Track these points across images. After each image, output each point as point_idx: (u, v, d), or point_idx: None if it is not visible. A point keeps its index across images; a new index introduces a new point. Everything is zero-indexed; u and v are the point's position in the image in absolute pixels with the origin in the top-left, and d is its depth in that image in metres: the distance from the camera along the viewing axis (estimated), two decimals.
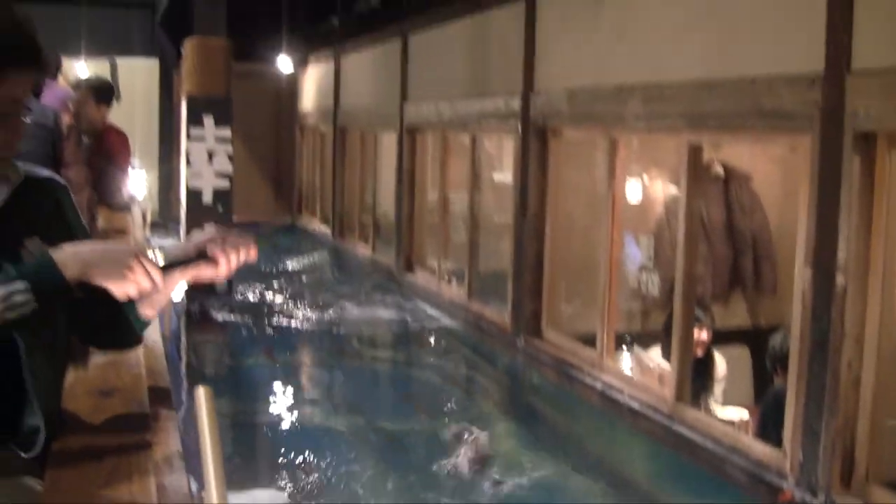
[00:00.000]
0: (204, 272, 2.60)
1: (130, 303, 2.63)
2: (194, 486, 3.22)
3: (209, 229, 2.65)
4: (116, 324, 2.74)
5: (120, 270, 2.35)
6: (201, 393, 2.49)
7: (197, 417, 2.48)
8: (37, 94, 6.15)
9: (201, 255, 2.59)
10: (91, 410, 3.08)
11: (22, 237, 2.53)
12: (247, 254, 2.65)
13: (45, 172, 2.75)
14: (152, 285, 2.43)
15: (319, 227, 20.75)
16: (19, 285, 2.25)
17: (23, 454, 2.59)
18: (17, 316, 2.24)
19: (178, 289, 2.76)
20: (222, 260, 2.58)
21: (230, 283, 13.54)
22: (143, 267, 2.38)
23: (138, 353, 3.86)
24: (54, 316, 2.52)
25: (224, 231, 2.65)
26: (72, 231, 2.68)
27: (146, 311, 2.74)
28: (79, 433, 2.86)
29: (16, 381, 2.54)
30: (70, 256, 2.33)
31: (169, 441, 3.32)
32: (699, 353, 7.91)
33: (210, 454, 2.39)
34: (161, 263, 2.49)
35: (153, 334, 4.80)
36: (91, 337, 2.92)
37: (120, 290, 2.38)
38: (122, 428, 2.95)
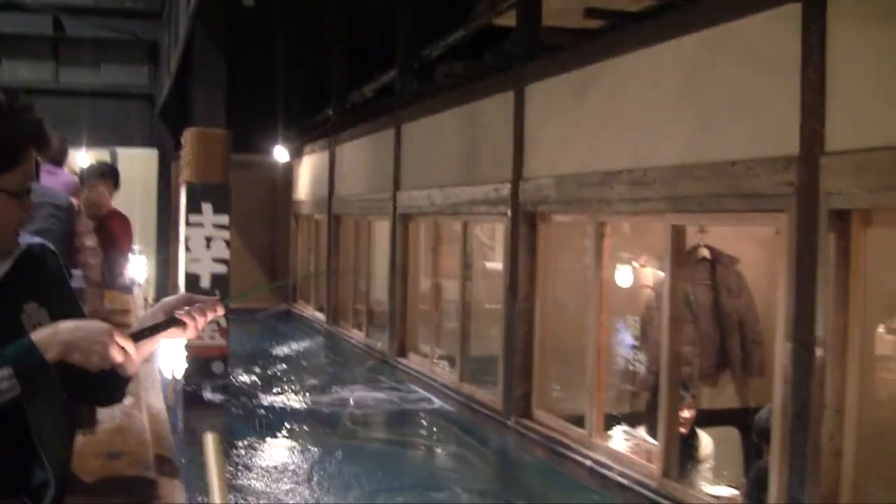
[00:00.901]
0: (174, 334, 2.74)
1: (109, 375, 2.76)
2: None
3: (178, 296, 2.81)
4: (102, 386, 2.85)
5: (95, 348, 2.50)
6: (209, 439, 2.62)
7: (205, 463, 2.61)
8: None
9: (171, 321, 2.72)
10: (99, 472, 3.19)
11: (22, 302, 2.70)
12: (213, 313, 2.77)
13: (37, 240, 2.90)
14: (125, 357, 2.58)
15: (314, 314, 20.86)
16: (3, 372, 2.42)
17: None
18: (5, 401, 2.41)
19: (158, 357, 2.90)
20: (190, 323, 2.72)
21: (226, 365, 13.63)
22: (116, 343, 2.53)
23: (143, 420, 4.00)
24: (37, 390, 2.63)
25: (191, 297, 2.80)
26: (62, 291, 2.85)
27: (126, 371, 2.79)
28: (89, 494, 2.97)
29: (24, 437, 2.67)
30: (49, 338, 2.49)
31: (175, 496, 3.47)
32: (683, 430, 8.02)
33: (217, 497, 2.51)
34: (133, 334, 2.67)
35: (157, 403, 4.95)
36: (81, 397, 3.01)
37: (95, 365, 2.53)
38: (130, 490, 3.05)
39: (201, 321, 2.73)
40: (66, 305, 2.83)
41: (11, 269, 2.71)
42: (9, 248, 2.72)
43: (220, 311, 2.80)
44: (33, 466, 2.71)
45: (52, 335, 2.50)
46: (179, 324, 2.71)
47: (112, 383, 2.85)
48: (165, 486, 3.38)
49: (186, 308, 2.73)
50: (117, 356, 2.54)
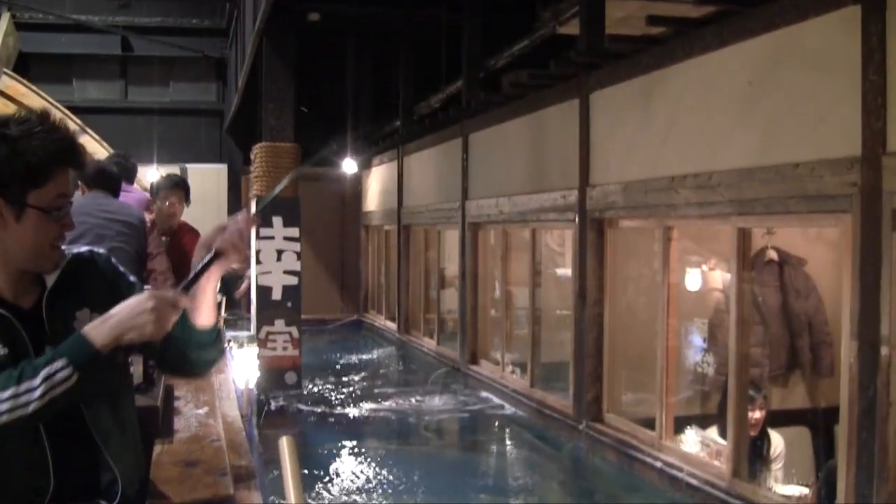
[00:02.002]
0: (222, 266, 2.83)
1: (188, 331, 2.90)
2: None
3: (209, 232, 2.86)
4: (192, 351, 2.97)
5: (143, 319, 2.62)
6: (285, 443, 2.71)
7: (282, 466, 2.69)
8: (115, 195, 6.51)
9: (213, 256, 2.80)
10: (177, 480, 3.30)
11: (74, 310, 2.83)
12: (249, 229, 2.87)
13: (85, 248, 3.04)
14: (176, 314, 2.70)
15: (385, 323, 20.98)
16: (59, 363, 2.54)
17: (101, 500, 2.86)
18: (63, 391, 2.53)
19: (212, 298, 2.90)
20: (230, 248, 2.81)
21: (299, 376, 13.80)
22: (162, 304, 2.65)
23: (219, 429, 4.12)
24: (95, 383, 2.71)
25: (222, 225, 2.86)
26: (118, 294, 2.88)
27: (203, 322, 2.92)
28: (169, 497, 3.09)
29: (88, 436, 2.83)
30: (97, 327, 2.62)
31: (252, 500, 3.59)
32: (753, 432, 8.06)
33: (293, 501, 2.60)
34: (182, 286, 2.77)
35: (232, 412, 5.08)
36: (183, 370, 3.14)
37: (155, 334, 2.66)
38: (208, 497, 3.15)
39: (240, 243, 2.82)
40: None
41: (59, 278, 2.83)
42: (55, 262, 2.83)
43: (254, 224, 2.91)
44: (99, 466, 2.85)
45: (100, 323, 2.63)
46: (221, 254, 2.80)
47: (200, 344, 2.95)
48: (242, 493, 3.48)
49: (221, 236, 2.81)
50: (170, 315, 2.66)
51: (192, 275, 2.80)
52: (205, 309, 2.89)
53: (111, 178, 6.41)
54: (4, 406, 2.48)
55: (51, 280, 2.83)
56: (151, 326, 2.62)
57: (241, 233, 2.83)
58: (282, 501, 2.72)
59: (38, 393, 2.50)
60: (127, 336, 2.61)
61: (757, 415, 8.07)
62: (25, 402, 2.50)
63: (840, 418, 6.67)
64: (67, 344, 2.60)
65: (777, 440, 8.31)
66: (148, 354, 3.07)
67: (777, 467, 8.23)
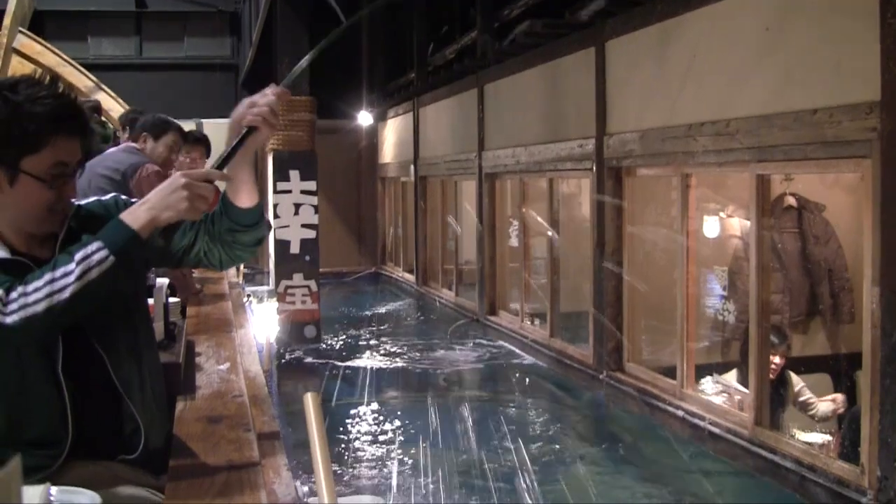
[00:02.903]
0: (256, 141, 2.80)
1: (230, 211, 2.88)
2: (301, 491, 3.49)
3: (238, 108, 2.82)
4: (233, 237, 2.93)
5: (178, 197, 2.62)
6: (310, 399, 2.70)
7: (306, 422, 2.69)
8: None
9: (246, 132, 2.78)
10: (201, 435, 3.31)
11: None
12: (279, 100, 2.81)
13: (92, 199, 3.03)
14: (214, 192, 2.70)
15: (403, 275, 21.04)
16: (95, 245, 2.54)
17: (127, 456, 2.86)
18: (100, 274, 2.52)
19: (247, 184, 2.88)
20: (262, 122, 2.77)
21: (319, 329, 13.84)
22: (195, 185, 2.64)
23: (241, 384, 4.13)
24: (134, 270, 2.73)
25: (251, 100, 2.82)
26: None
27: (244, 203, 2.89)
28: (193, 457, 3.09)
29: (110, 383, 2.82)
30: (133, 211, 2.63)
31: (276, 455, 3.60)
32: (772, 376, 8.05)
33: (319, 457, 2.58)
34: (217, 164, 2.75)
35: (254, 366, 5.09)
36: (231, 255, 3.03)
37: (193, 212, 2.66)
38: (233, 451, 3.15)
39: (272, 117, 2.78)
40: None
41: (67, 231, 2.82)
42: (56, 224, 2.81)
43: (285, 95, 2.85)
44: (122, 414, 2.85)
45: (136, 208, 2.64)
46: (254, 129, 2.78)
47: (244, 224, 2.91)
48: (266, 446, 3.48)
49: (252, 111, 2.77)
50: (204, 191, 2.65)
51: (225, 152, 2.78)
52: (244, 188, 2.87)
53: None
54: (42, 293, 2.48)
55: (61, 233, 2.82)
56: (186, 203, 2.62)
57: (271, 107, 2.79)
58: (306, 459, 2.73)
59: (74, 276, 2.49)
60: (163, 216, 2.62)
61: (776, 360, 8.07)
62: (62, 286, 2.49)
63: (863, 365, 6.66)
64: (104, 229, 2.61)
65: (797, 382, 8.31)
66: (191, 261, 3.01)
67: (811, 405, 8.24)
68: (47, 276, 2.49)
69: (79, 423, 2.75)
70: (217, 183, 2.75)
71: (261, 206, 2.94)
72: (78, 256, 2.52)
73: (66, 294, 2.49)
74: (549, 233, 12.61)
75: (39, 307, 2.47)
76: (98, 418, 2.82)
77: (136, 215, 2.62)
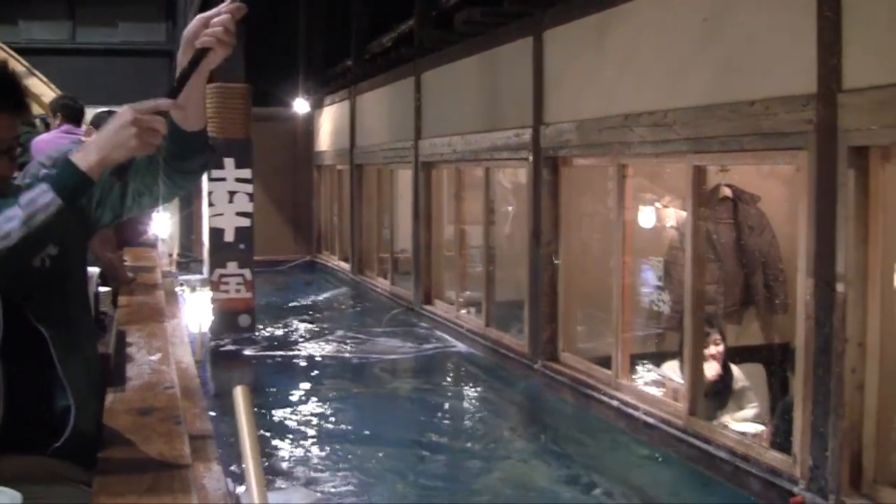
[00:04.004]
0: (211, 61, 2.63)
1: (177, 136, 2.74)
2: (232, 487, 3.44)
3: (192, 24, 2.65)
4: (178, 163, 2.81)
5: (128, 133, 2.50)
6: (239, 392, 2.66)
7: (235, 415, 2.65)
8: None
9: (200, 52, 2.60)
10: (130, 428, 3.25)
11: None
12: (236, 15, 2.64)
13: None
14: (161, 125, 2.55)
15: (339, 264, 20.98)
16: (40, 189, 2.47)
17: (54, 442, 2.76)
18: (47, 217, 2.45)
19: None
20: (215, 41, 2.59)
21: (253, 318, 13.75)
22: (144, 119, 2.52)
23: (172, 375, 4.07)
24: (78, 214, 2.69)
25: (205, 18, 2.64)
26: (81, 222, 2.85)
27: (192, 126, 2.77)
28: (122, 449, 3.04)
29: (46, 359, 2.74)
30: (83, 152, 2.53)
31: (207, 449, 3.55)
32: (717, 367, 8.07)
33: (249, 453, 2.55)
34: (170, 89, 2.60)
35: (186, 357, 5.03)
36: (170, 178, 2.89)
37: (143, 151, 2.55)
38: (162, 445, 3.09)
39: (227, 36, 2.61)
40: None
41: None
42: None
43: (240, 10, 2.66)
44: (55, 390, 2.77)
45: (86, 147, 2.55)
46: (208, 50, 2.61)
47: (191, 149, 2.81)
48: (197, 440, 3.44)
49: (207, 30, 2.60)
50: (154, 125, 2.54)
51: (177, 77, 2.63)
52: (193, 111, 2.74)
53: None
54: None
55: None
56: (135, 140, 2.51)
57: (226, 25, 2.62)
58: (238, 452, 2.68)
59: (18, 221, 2.43)
60: (114, 155, 2.52)
61: (717, 349, 8.08)
62: (6, 231, 2.42)
63: (796, 356, 6.70)
64: (53, 172, 2.54)
65: (739, 374, 8.34)
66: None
67: (747, 399, 8.27)
68: None
69: (8, 401, 2.69)
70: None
71: (206, 129, 2.84)
72: (23, 200, 2.46)
73: (13, 239, 2.42)
74: (486, 222, 12.60)
75: None
76: (29, 393, 2.75)
77: (85, 156, 2.52)
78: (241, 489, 4.16)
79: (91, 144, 2.55)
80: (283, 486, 7.82)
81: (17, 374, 2.71)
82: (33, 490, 2.56)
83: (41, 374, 2.76)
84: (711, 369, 8.06)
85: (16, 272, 2.54)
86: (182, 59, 2.64)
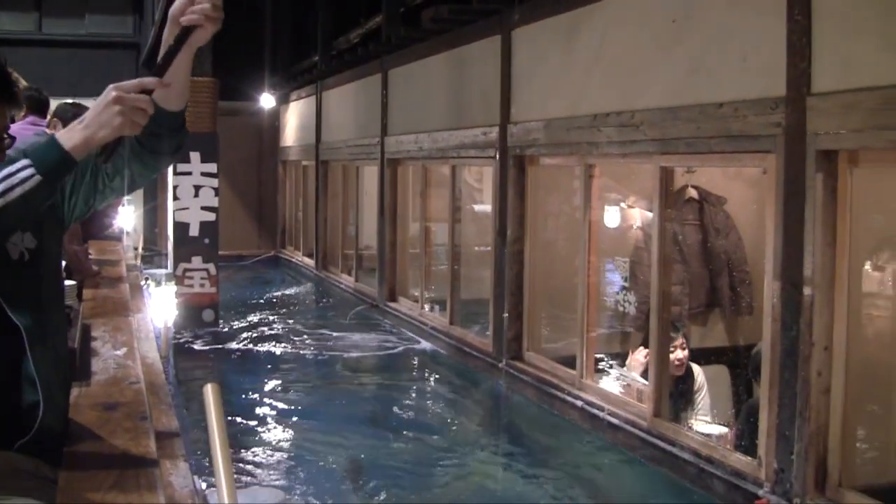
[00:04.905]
0: (198, 39, 2.58)
1: (159, 117, 2.67)
2: (199, 485, 3.41)
3: (176, 5, 2.58)
4: (156, 142, 2.76)
5: (110, 115, 2.47)
6: (210, 390, 2.62)
7: (206, 414, 2.61)
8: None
9: (186, 30, 2.55)
10: (96, 423, 3.21)
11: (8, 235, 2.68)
12: None
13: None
14: (147, 104, 2.51)
15: (303, 259, 20.94)
16: (20, 164, 2.43)
17: (21, 437, 2.71)
18: (23, 193, 2.41)
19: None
20: (202, 19, 2.54)
21: (217, 313, 13.70)
22: (128, 97, 2.48)
23: (138, 371, 4.03)
24: (56, 193, 2.63)
25: None
26: (56, 212, 2.82)
27: (173, 106, 2.72)
28: (87, 445, 3.00)
29: (16, 350, 2.69)
30: (67, 132, 2.50)
31: (174, 445, 3.51)
32: (679, 371, 8.08)
33: (219, 450, 2.51)
34: (157, 66, 2.55)
35: (151, 352, 4.99)
36: (144, 158, 2.83)
37: (129, 130, 2.51)
38: (128, 441, 3.06)
39: (213, 9, 2.55)
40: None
41: None
42: None
43: None
44: (25, 384, 2.72)
45: (71, 127, 2.51)
46: (192, 29, 2.55)
47: (170, 128, 2.76)
48: (163, 436, 3.41)
49: (193, 6, 2.54)
50: (138, 103, 2.49)
51: (163, 55, 2.58)
52: (176, 91, 2.69)
53: None
54: None
55: None
56: (119, 119, 2.47)
57: (213, 1, 2.55)
58: (204, 447, 2.64)
59: None
60: (99, 135, 2.48)
61: (681, 354, 8.09)
62: None
63: (762, 358, 6.71)
64: (35, 148, 2.50)
65: (698, 372, 8.35)
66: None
67: (700, 398, 8.28)
68: None
69: None
70: None
71: (185, 110, 2.79)
72: (2, 174, 2.42)
73: None
74: (451, 219, 12.57)
75: None
76: None
77: (70, 135, 2.48)
78: (207, 487, 4.13)
79: (76, 124, 2.51)
80: (247, 484, 7.78)
81: None
82: (2, 486, 2.53)
83: (12, 368, 2.71)
84: (675, 371, 8.07)
85: None
86: (168, 36, 2.60)
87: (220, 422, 2.57)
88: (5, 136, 2.67)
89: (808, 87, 6.15)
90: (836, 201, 6.08)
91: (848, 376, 6.10)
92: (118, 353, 4.34)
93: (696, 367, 8.35)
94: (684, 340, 8.16)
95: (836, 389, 6.12)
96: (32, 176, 2.43)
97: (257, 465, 8.39)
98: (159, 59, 2.58)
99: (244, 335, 13.80)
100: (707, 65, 7.29)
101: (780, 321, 6.40)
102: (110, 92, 2.49)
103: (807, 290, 6.15)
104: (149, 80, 2.54)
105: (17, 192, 2.41)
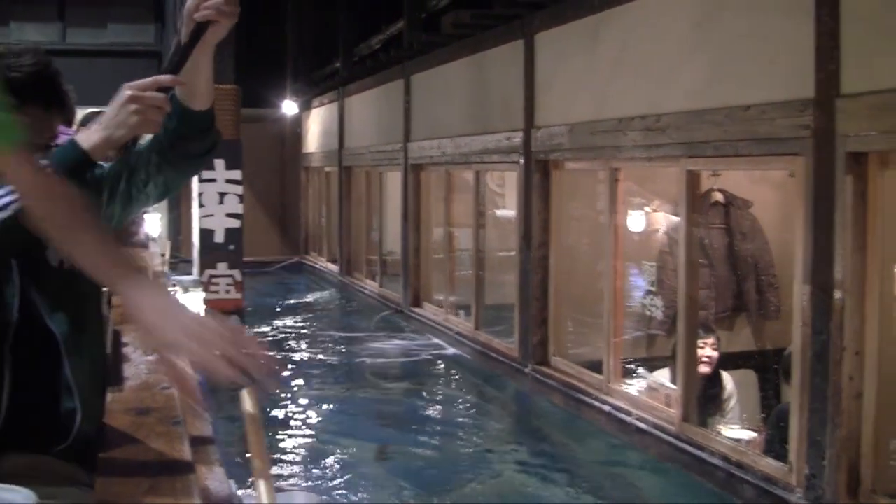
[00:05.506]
0: (214, 34, 2.54)
1: (185, 117, 2.67)
2: (235, 489, 3.40)
3: (188, 3, 2.54)
4: (185, 144, 2.73)
5: (126, 114, 2.48)
6: (246, 395, 2.62)
7: (243, 418, 2.61)
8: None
9: (200, 27, 2.50)
10: (129, 428, 3.20)
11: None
12: None
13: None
14: (163, 102, 2.52)
15: (326, 265, 20.97)
16: (41, 164, 2.40)
17: (58, 443, 2.69)
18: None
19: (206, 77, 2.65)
20: (216, 13, 2.49)
21: (242, 319, 13.70)
22: (143, 96, 2.48)
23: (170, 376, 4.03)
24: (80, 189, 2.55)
25: None
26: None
27: (199, 105, 2.69)
28: (121, 450, 2.99)
29: (54, 360, 2.68)
30: (86, 132, 2.52)
31: (208, 449, 3.50)
32: (708, 370, 8.02)
33: (256, 454, 2.51)
34: (169, 64, 2.55)
35: (181, 360, 4.98)
36: (176, 162, 2.80)
37: (146, 129, 2.53)
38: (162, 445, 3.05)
39: (228, 6, 2.51)
40: None
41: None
42: None
43: None
44: (62, 391, 2.71)
45: (90, 127, 2.54)
46: (206, 24, 2.50)
47: (198, 128, 2.73)
48: (197, 440, 3.40)
49: (207, 2, 2.49)
50: (155, 101, 2.50)
51: (179, 52, 2.56)
52: (200, 89, 2.66)
53: None
54: None
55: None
56: (136, 117, 2.48)
57: None
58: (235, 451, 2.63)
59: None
60: (116, 134, 2.50)
61: (710, 352, 8.02)
62: (4, 204, 2.38)
63: (792, 363, 6.65)
64: (56, 149, 2.53)
65: (727, 379, 8.31)
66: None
67: (730, 406, 8.23)
68: None
69: (14, 399, 2.63)
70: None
71: (213, 110, 2.75)
72: None
73: (8, 211, 2.38)
74: (475, 224, 12.56)
75: None
76: (36, 393, 2.68)
77: (88, 135, 2.50)
78: (243, 491, 4.12)
79: (95, 125, 2.53)
80: (281, 488, 7.78)
81: (26, 374, 2.66)
82: (41, 490, 2.52)
83: (49, 375, 2.70)
84: (703, 371, 8.01)
85: (14, 242, 2.48)
86: (184, 34, 2.57)
87: (256, 427, 2.57)
88: (53, 144, 2.69)
89: (837, 89, 6.10)
90: (866, 204, 6.03)
91: (880, 381, 6.05)
92: (149, 358, 4.34)
93: (725, 375, 8.30)
94: (716, 341, 8.10)
95: (867, 394, 6.07)
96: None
97: (287, 470, 8.39)
98: (174, 59, 2.62)
99: (269, 341, 13.79)
100: (733, 67, 7.25)
101: (809, 325, 6.35)
102: (125, 91, 2.50)
103: (837, 294, 6.10)
104: (164, 78, 2.54)
105: None
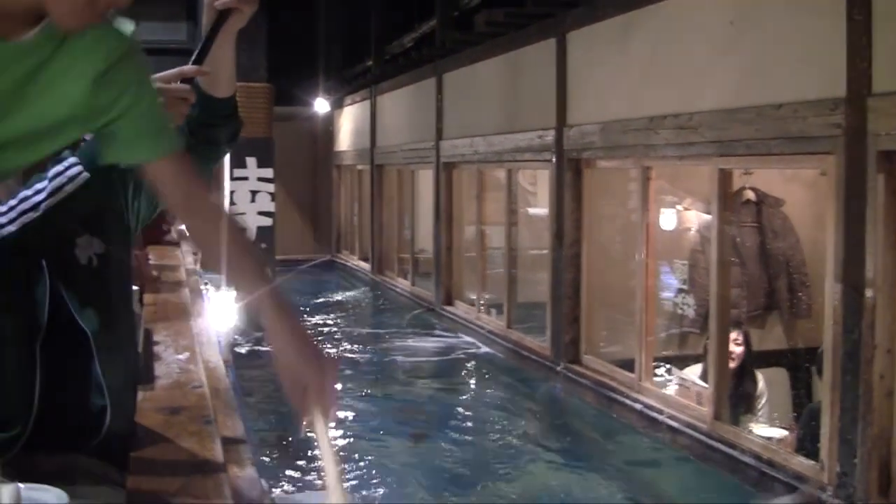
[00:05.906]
0: (235, 22, 2.54)
1: (208, 105, 2.69)
2: (267, 488, 3.43)
3: None
4: (209, 131, 2.75)
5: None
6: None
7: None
8: None
9: (221, 15, 2.49)
10: (161, 427, 3.22)
11: (74, 237, 2.62)
12: None
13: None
14: (188, 93, 2.55)
15: (358, 263, 20.99)
16: (68, 162, 2.48)
17: (89, 441, 2.68)
18: (74, 188, 2.46)
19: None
20: (234, 1, 2.49)
21: None
22: (167, 88, 2.50)
23: (201, 375, 4.05)
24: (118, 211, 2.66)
25: None
26: (123, 218, 2.78)
27: (222, 92, 2.70)
28: (153, 449, 3.02)
29: (85, 357, 2.66)
30: None
31: (239, 449, 3.53)
32: (732, 366, 8.01)
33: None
34: (196, 56, 2.53)
35: (214, 357, 5.01)
36: (209, 148, 2.82)
37: (174, 117, 2.51)
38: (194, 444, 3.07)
39: None
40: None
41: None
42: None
43: None
44: (92, 389, 2.70)
45: None
46: (228, 12, 2.49)
47: (221, 116, 2.75)
48: (228, 440, 3.41)
49: None
50: (183, 93, 2.54)
51: (202, 41, 2.55)
52: (224, 76, 2.67)
53: None
54: (14, 212, 2.43)
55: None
56: (174, 118, 2.49)
57: None
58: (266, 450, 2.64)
59: (46, 192, 2.45)
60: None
61: (734, 348, 8.02)
62: (35, 202, 2.43)
63: (824, 361, 6.65)
64: (83, 145, 2.54)
65: (759, 378, 8.30)
66: None
67: (761, 404, 8.23)
68: (20, 195, 2.44)
69: (44, 398, 2.61)
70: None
71: (235, 97, 2.77)
72: (52, 172, 2.47)
73: (40, 210, 2.43)
74: (507, 223, 12.57)
75: (12, 227, 2.42)
76: (66, 392, 2.66)
77: None
78: (276, 490, 4.15)
79: None
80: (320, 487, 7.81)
81: (56, 372, 2.67)
82: (73, 490, 2.54)
83: (80, 373, 2.69)
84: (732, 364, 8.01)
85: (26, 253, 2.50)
86: (205, 23, 2.57)
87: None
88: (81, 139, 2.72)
89: (869, 88, 6.09)
90: None
91: None
92: (180, 357, 4.36)
93: (758, 374, 8.29)
94: (738, 336, 8.09)
95: None
96: (80, 173, 2.48)
97: (319, 468, 8.42)
98: (197, 50, 2.56)
99: None
100: (765, 66, 7.24)
101: (841, 324, 6.34)
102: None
103: (868, 293, 6.10)
104: (188, 69, 2.55)
105: (68, 188, 2.46)
